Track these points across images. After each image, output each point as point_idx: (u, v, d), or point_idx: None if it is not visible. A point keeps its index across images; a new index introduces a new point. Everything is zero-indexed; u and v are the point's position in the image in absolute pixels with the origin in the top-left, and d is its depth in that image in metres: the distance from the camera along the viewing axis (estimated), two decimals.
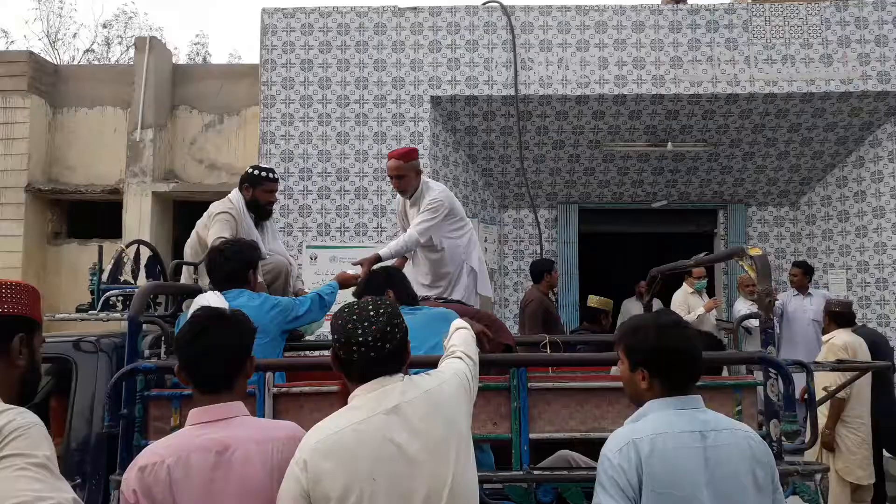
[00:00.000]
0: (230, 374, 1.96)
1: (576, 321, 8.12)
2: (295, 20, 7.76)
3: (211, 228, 3.71)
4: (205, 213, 3.92)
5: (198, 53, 20.59)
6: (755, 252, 2.85)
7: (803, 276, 7.01)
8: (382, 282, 3.17)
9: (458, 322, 2.39)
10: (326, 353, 4.49)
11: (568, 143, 8.11)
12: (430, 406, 1.82)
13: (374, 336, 1.80)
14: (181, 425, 2.63)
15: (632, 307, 8.15)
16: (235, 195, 3.95)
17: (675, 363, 1.94)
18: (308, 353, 4.12)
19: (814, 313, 6.70)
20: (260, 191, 3.96)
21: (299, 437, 1.87)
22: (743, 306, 6.96)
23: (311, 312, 3.30)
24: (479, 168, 8.33)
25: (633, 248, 10.39)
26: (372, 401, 1.79)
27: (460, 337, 2.22)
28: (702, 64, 7.62)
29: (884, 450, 5.44)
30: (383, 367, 1.83)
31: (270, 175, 4.01)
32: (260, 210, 3.98)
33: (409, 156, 4.35)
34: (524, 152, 8.00)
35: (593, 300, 6.24)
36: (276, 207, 7.46)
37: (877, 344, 6.09)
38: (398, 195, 4.63)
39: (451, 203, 4.42)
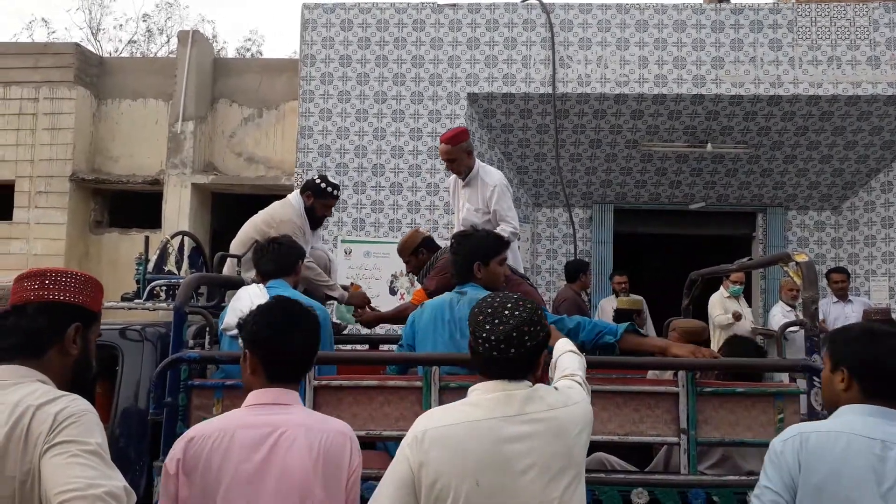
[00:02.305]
0: (306, 369, 2.05)
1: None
2: (335, 16, 7.81)
3: (281, 231, 3.81)
4: (264, 212, 4.00)
5: (248, 49, 20.85)
6: (801, 258, 2.80)
7: (846, 281, 6.88)
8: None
9: (567, 344, 2.26)
10: (361, 347, 4.55)
11: (605, 143, 8.04)
12: (552, 425, 1.72)
13: (499, 338, 1.71)
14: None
15: (607, 305, 7.80)
16: (297, 199, 4.05)
17: (883, 369, 1.85)
18: (344, 346, 4.17)
19: (856, 320, 6.56)
20: (321, 203, 4.07)
21: (350, 435, 1.88)
22: (779, 311, 6.84)
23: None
24: (515, 166, 8.31)
25: (668, 250, 10.27)
26: (492, 402, 1.72)
27: (575, 362, 2.12)
28: (744, 64, 7.49)
29: None
30: (506, 369, 1.74)
31: (335, 192, 4.13)
32: (315, 219, 4.11)
33: (457, 138, 4.31)
34: (560, 151, 7.96)
35: (623, 301, 6.18)
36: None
37: None
38: (452, 175, 4.62)
39: (508, 188, 4.48)
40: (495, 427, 1.68)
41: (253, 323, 1.95)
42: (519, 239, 4.45)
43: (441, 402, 2.68)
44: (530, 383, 1.76)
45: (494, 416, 1.69)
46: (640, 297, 6.15)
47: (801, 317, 4.42)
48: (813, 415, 2.62)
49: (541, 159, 8.22)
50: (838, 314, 6.76)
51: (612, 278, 7.72)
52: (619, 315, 6.32)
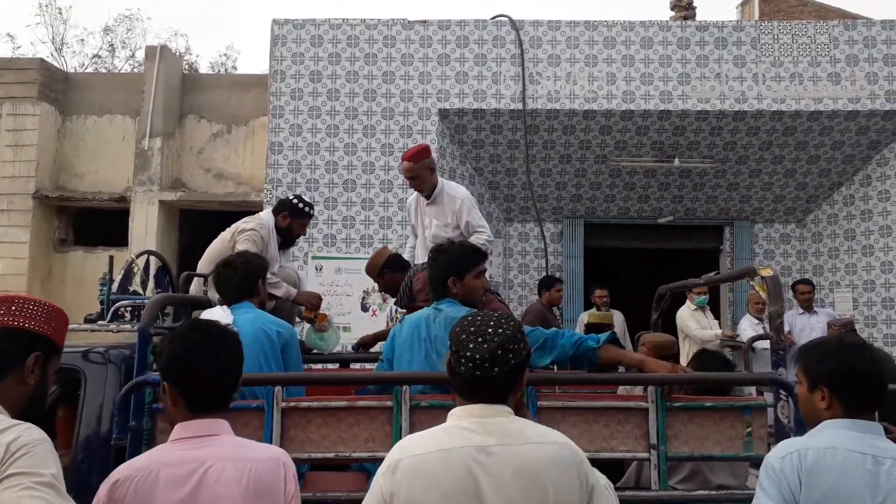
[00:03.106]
0: (229, 394, 1.85)
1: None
2: (305, 31, 7.80)
3: (239, 244, 3.75)
4: (229, 228, 3.95)
5: (222, 64, 20.70)
6: (767, 272, 2.84)
7: (812, 292, 7.01)
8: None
9: (604, 480, 1.89)
10: (332, 366, 4.50)
11: (575, 158, 8.12)
12: (526, 465, 1.61)
13: (483, 356, 1.66)
14: None
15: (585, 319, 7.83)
16: (267, 216, 4.03)
17: (860, 385, 1.88)
18: (313, 366, 4.11)
19: (821, 331, 6.68)
20: (297, 223, 4.06)
21: (285, 460, 1.80)
22: (748, 324, 6.93)
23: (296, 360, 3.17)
24: (486, 181, 8.34)
25: (638, 264, 10.37)
26: (468, 430, 1.66)
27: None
28: (710, 80, 7.63)
29: None
30: (488, 390, 1.69)
31: (311, 211, 4.13)
32: (288, 239, 4.09)
33: (419, 156, 4.28)
34: (531, 166, 8.01)
35: (594, 315, 6.22)
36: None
37: (883, 363, 6.06)
38: (413, 193, 4.59)
39: (475, 204, 4.47)
40: (467, 457, 1.62)
41: (167, 351, 1.83)
42: (491, 253, 4.44)
43: (412, 423, 2.66)
44: (510, 409, 1.71)
45: (468, 446, 1.63)
46: (611, 313, 6.20)
47: (768, 330, 4.48)
48: (780, 428, 2.65)
49: (512, 174, 8.26)
50: (804, 325, 6.88)
51: (593, 292, 7.77)
52: (589, 329, 6.36)
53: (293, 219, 4.03)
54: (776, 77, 7.62)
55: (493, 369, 1.66)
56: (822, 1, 15.57)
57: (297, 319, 4.24)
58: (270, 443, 2.64)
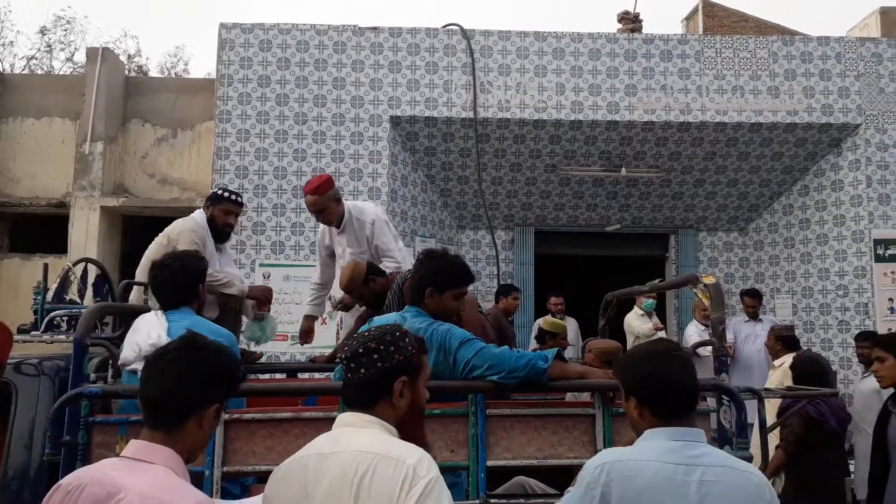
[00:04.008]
0: (174, 414, 1.70)
1: (531, 342, 8.16)
2: (253, 36, 7.69)
3: (179, 246, 3.61)
4: (164, 232, 3.81)
5: (172, 67, 20.23)
6: (709, 280, 2.90)
7: (758, 304, 7.19)
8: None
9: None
10: (280, 376, 4.42)
11: (525, 167, 8.20)
12: (347, 477, 1.59)
13: (347, 354, 1.73)
14: None
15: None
16: (199, 214, 3.90)
17: (664, 392, 1.87)
18: (261, 376, 4.03)
19: (766, 339, 6.86)
20: (218, 209, 3.88)
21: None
22: (694, 331, 7.08)
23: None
24: (438, 188, 8.35)
25: (587, 271, 10.51)
26: (324, 436, 1.72)
27: None
28: (655, 92, 7.81)
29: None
30: (355, 395, 1.72)
31: (234, 197, 3.94)
32: (218, 231, 3.89)
33: (323, 188, 4.13)
34: (482, 174, 8.05)
35: (547, 323, 6.28)
36: None
37: (822, 368, 6.26)
38: (320, 227, 4.43)
39: (387, 220, 4.38)
40: (303, 465, 1.68)
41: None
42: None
43: None
44: (377, 421, 1.69)
45: (309, 454, 1.70)
46: (563, 323, 6.27)
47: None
48: (723, 433, 2.70)
49: (464, 182, 8.29)
50: (749, 332, 7.05)
51: (549, 300, 7.84)
52: (541, 334, 6.43)
53: (214, 206, 3.88)
54: (719, 89, 7.85)
55: (359, 371, 1.70)
56: (762, 17, 16.13)
57: (247, 320, 4.11)
58: (212, 456, 2.57)
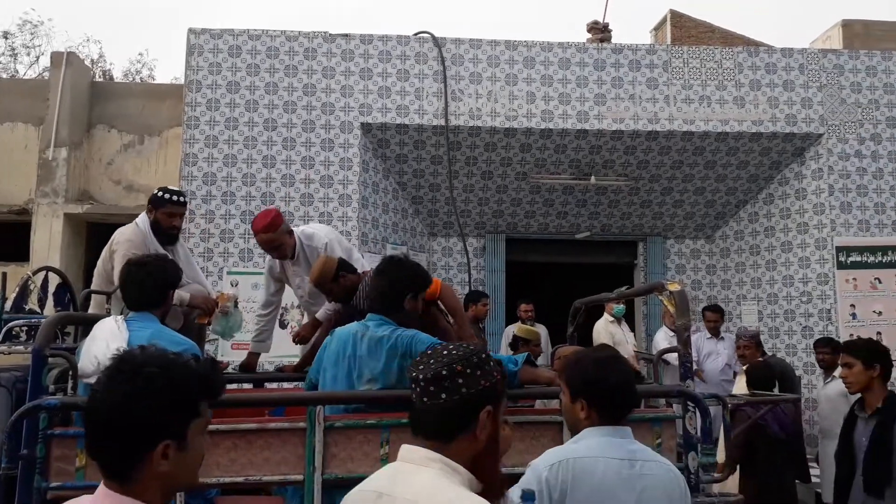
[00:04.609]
0: (120, 446, 1.29)
1: (502, 349, 8.17)
2: (222, 41, 7.62)
3: (117, 264, 3.51)
4: (109, 242, 3.72)
5: (137, 72, 19.93)
6: (674, 287, 2.93)
7: (720, 320, 7.24)
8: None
9: None
10: (247, 386, 4.36)
11: (496, 174, 8.23)
12: None
13: (426, 375, 1.49)
14: (86, 466, 2.49)
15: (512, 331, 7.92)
16: (142, 218, 3.78)
17: (612, 395, 2.02)
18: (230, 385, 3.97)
19: (727, 357, 6.93)
20: (161, 213, 3.75)
21: None
22: (663, 337, 7.14)
23: None
24: (409, 196, 8.34)
25: (559, 278, 10.58)
26: (388, 469, 1.52)
27: None
28: (624, 101, 7.90)
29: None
30: (433, 424, 1.48)
31: (174, 198, 3.78)
32: (164, 234, 3.77)
33: (275, 224, 3.96)
34: (453, 182, 8.06)
35: (521, 329, 6.30)
36: (196, 231, 7.27)
37: (785, 373, 6.39)
38: (267, 258, 4.24)
39: (339, 239, 4.25)
40: (356, 500, 1.51)
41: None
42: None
43: (326, 445, 2.60)
44: (438, 457, 1.45)
45: (365, 490, 1.50)
46: (536, 329, 6.30)
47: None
48: (689, 439, 2.73)
49: (435, 189, 8.29)
50: (711, 349, 7.09)
51: (519, 307, 7.85)
52: (515, 341, 6.47)
53: (156, 209, 3.74)
54: (686, 99, 7.97)
55: (441, 395, 1.46)
56: (729, 28, 16.44)
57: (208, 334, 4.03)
58: None
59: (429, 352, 1.58)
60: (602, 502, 1.90)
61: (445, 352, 1.55)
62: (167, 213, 3.75)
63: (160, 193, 3.80)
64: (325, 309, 3.97)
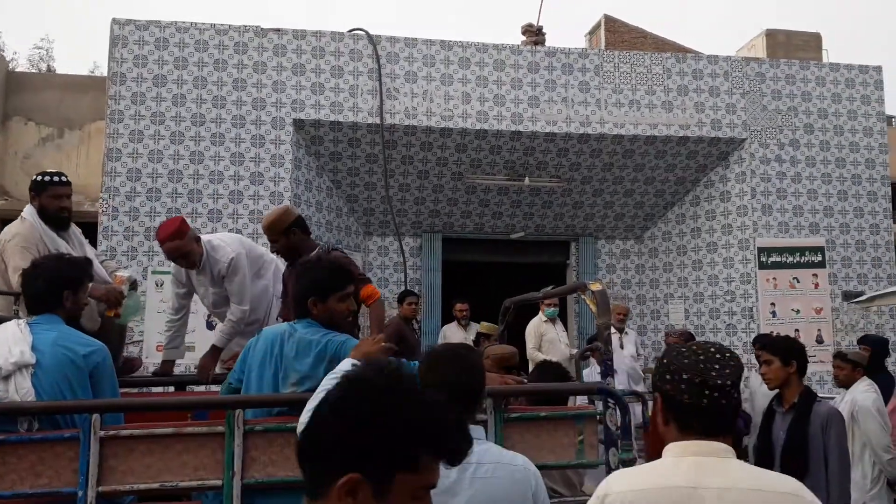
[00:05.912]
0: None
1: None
2: (149, 33, 7.37)
3: (10, 262, 3.33)
4: None
5: (41, 59, 19.07)
6: (595, 287, 2.98)
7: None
8: None
9: None
10: (161, 389, 4.21)
11: (432, 174, 8.23)
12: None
13: (734, 380, 1.56)
14: None
15: (451, 333, 8.06)
16: (28, 210, 3.56)
17: (450, 392, 1.91)
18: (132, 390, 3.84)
19: (629, 351, 7.22)
20: (46, 197, 3.53)
21: None
22: (631, 340, 7.33)
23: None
24: (344, 194, 8.25)
25: (494, 277, 10.65)
26: (693, 467, 1.52)
27: None
28: (557, 104, 8.02)
29: None
30: (721, 422, 1.57)
31: (55, 178, 3.58)
32: (54, 219, 3.55)
33: (183, 231, 3.78)
34: (389, 181, 8.02)
35: (484, 326, 6.44)
36: (120, 229, 7.00)
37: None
38: (173, 265, 4.05)
39: (248, 249, 4.07)
40: (694, 497, 1.50)
41: None
42: (242, 324, 3.92)
43: (246, 449, 2.53)
44: (729, 449, 1.57)
45: (694, 486, 1.51)
46: (496, 326, 6.37)
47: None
48: (609, 436, 2.78)
49: (371, 188, 8.23)
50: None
51: (454, 306, 7.87)
52: (478, 337, 6.65)
53: (38, 195, 3.54)
54: (617, 103, 8.15)
55: (735, 395, 1.57)
56: (660, 34, 16.93)
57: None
58: (86, 475, 2.41)
59: (718, 356, 1.59)
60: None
61: (721, 355, 1.60)
62: (52, 195, 3.54)
63: (39, 177, 3.60)
64: (218, 331, 3.88)
